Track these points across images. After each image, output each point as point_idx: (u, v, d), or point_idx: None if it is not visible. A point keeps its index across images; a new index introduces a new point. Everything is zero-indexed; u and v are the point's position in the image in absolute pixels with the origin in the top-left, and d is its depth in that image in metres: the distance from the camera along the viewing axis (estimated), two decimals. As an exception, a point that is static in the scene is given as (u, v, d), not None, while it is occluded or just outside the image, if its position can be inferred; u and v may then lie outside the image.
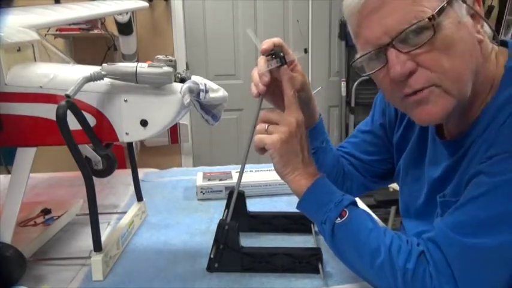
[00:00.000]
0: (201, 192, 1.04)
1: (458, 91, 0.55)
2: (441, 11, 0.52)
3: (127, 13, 2.11)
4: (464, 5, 0.54)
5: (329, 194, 0.64)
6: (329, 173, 0.79)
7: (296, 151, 0.65)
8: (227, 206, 0.79)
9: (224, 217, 0.72)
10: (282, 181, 1.09)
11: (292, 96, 0.65)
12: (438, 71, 0.53)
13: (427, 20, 0.51)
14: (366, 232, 0.60)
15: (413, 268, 0.56)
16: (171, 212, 0.97)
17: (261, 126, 0.66)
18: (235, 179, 1.03)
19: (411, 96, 0.56)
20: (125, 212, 0.87)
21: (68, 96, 0.60)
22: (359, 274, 0.63)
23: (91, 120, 0.66)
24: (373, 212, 0.94)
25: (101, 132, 0.67)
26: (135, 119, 0.66)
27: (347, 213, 0.61)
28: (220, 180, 1.06)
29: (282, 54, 0.65)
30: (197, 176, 1.09)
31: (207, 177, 1.08)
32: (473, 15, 0.56)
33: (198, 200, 1.03)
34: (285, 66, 0.66)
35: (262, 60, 0.67)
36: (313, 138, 0.77)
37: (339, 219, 0.61)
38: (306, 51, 0.72)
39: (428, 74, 0.54)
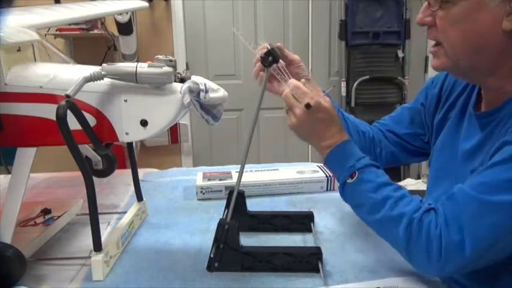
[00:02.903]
0: (201, 192, 1.04)
1: (454, 57, 0.66)
2: None
3: (127, 13, 2.11)
4: None
5: (345, 158, 0.72)
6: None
7: (309, 133, 0.74)
8: (227, 206, 0.79)
9: (224, 217, 0.72)
10: (282, 181, 1.10)
11: (296, 87, 0.72)
12: (443, 35, 0.66)
13: None
14: (373, 188, 0.67)
15: (419, 217, 0.61)
16: (171, 212, 0.97)
17: (287, 97, 0.73)
18: (235, 179, 1.03)
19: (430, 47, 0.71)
20: (124, 212, 0.87)
21: (68, 96, 0.60)
22: (370, 227, 0.70)
23: (91, 120, 0.66)
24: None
25: (101, 132, 0.67)
26: (135, 119, 0.66)
27: (356, 175, 0.69)
28: (220, 180, 1.06)
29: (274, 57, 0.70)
30: (197, 176, 1.09)
31: (207, 177, 1.08)
32: None
33: (198, 200, 1.03)
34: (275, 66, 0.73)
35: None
36: None
37: (350, 179, 0.70)
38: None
39: (438, 33, 0.66)
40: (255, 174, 1.09)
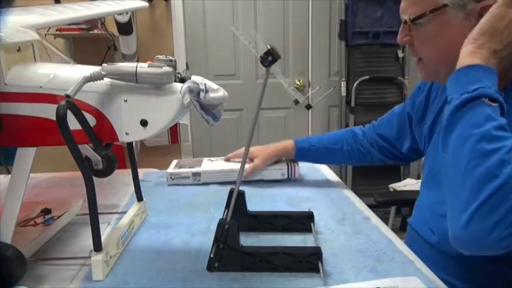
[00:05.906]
0: (171, 178, 1.12)
1: (433, 69, 0.74)
2: (421, 16, 0.70)
3: (127, 13, 2.11)
4: (464, 11, 0.67)
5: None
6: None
7: None
8: (227, 206, 0.79)
9: (224, 216, 0.72)
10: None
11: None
12: (420, 52, 0.75)
13: (405, 19, 0.74)
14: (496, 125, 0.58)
15: None
16: (171, 212, 0.97)
17: None
18: (204, 167, 1.12)
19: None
20: (124, 212, 0.87)
21: (68, 96, 0.60)
22: (455, 150, 0.61)
23: (91, 120, 0.66)
24: (373, 211, 0.94)
25: (101, 132, 0.67)
26: (135, 119, 0.66)
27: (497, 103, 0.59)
28: (190, 167, 1.14)
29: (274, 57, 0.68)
30: (171, 164, 1.19)
31: (178, 164, 1.18)
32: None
33: (168, 185, 1.12)
34: None
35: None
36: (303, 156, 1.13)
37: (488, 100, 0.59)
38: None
39: (416, 50, 0.75)
40: (216, 163, 1.17)
